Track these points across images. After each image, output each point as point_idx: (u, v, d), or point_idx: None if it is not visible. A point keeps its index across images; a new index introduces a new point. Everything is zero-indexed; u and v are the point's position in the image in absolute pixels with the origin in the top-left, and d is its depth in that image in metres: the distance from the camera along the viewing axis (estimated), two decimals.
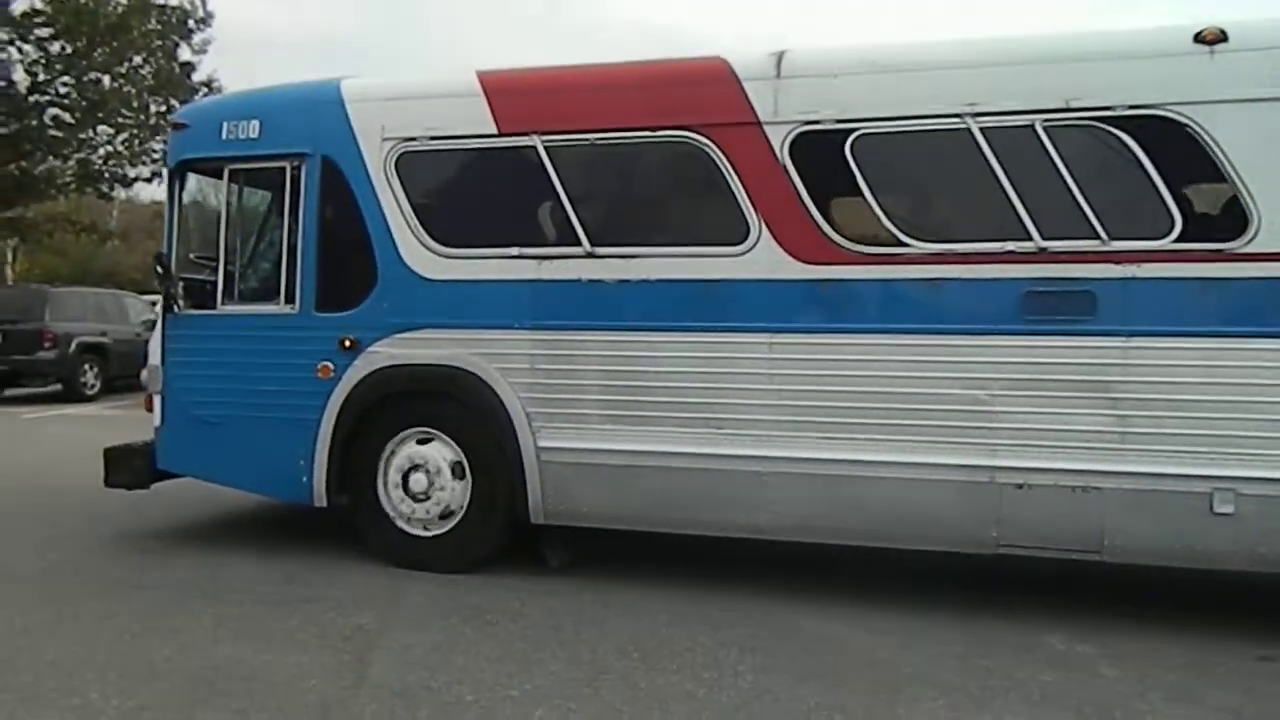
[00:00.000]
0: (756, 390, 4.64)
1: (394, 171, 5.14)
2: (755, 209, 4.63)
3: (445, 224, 5.10)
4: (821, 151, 4.56)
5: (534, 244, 4.96)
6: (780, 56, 4.74)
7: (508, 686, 3.59)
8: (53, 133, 21.54)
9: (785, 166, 4.59)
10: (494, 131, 5.01)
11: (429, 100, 5.22)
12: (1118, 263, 4.21)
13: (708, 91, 4.75)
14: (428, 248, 5.08)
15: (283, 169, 5.34)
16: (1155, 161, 4.19)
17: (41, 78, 21.44)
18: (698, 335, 4.71)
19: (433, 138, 5.10)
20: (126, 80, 22.20)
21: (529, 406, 4.92)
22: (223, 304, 5.51)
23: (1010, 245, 4.33)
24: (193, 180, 5.72)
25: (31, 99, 21.08)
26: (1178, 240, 4.16)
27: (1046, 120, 4.30)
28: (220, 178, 5.56)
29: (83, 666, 3.76)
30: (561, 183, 4.90)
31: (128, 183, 23.68)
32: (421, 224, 5.10)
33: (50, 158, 22.18)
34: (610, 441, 4.81)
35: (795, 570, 5.14)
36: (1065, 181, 4.28)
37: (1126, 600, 4.71)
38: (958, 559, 4.68)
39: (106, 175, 22.93)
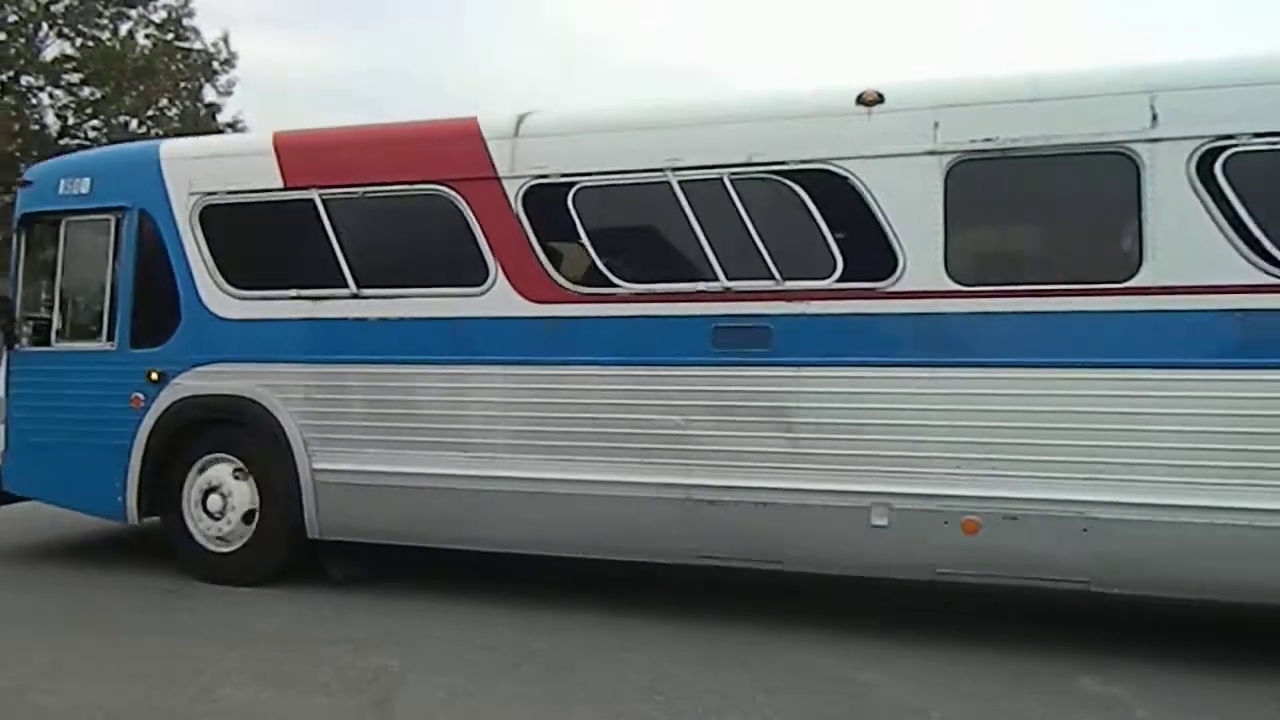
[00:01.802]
0: (495, 416, 5.16)
1: (197, 223, 5.74)
2: (493, 254, 5.17)
3: (238, 269, 5.68)
4: (549, 203, 5.10)
5: (310, 286, 5.52)
6: (521, 118, 5.31)
7: None
8: None
9: (519, 216, 5.13)
10: (280, 186, 5.60)
11: (229, 159, 5.85)
12: (789, 300, 4.70)
13: (458, 149, 5.32)
14: (223, 290, 5.66)
15: (108, 221, 5.97)
16: (822, 210, 4.69)
17: (71, 121, 22.25)
18: (447, 368, 5.24)
19: (230, 192, 5.70)
20: (154, 123, 22.64)
21: (305, 432, 5.45)
22: (56, 341, 6.12)
23: (701, 285, 4.84)
24: (37, 230, 6.36)
25: (61, 142, 21.33)
26: (839, 280, 4.65)
27: (733, 174, 4.82)
28: (58, 229, 6.19)
29: (104, 710, 3.71)
30: (334, 231, 5.47)
31: None
32: (218, 269, 5.69)
33: None
34: (375, 463, 5.32)
35: (810, 607, 5.16)
36: (747, 228, 4.78)
37: (1154, 636, 4.71)
38: (980, 597, 4.97)
39: None
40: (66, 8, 21.22)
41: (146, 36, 22.93)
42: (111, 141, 21.62)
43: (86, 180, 6.06)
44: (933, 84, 4.72)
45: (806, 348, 4.67)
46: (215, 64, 23.65)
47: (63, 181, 6.11)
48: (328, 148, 5.72)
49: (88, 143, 21.57)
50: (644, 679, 4.07)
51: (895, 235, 4.57)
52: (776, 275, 4.73)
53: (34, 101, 21.91)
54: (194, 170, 5.81)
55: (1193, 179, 4.18)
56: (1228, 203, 4.15)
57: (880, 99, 4.69)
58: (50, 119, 22.10)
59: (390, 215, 5.51)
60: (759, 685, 4.01)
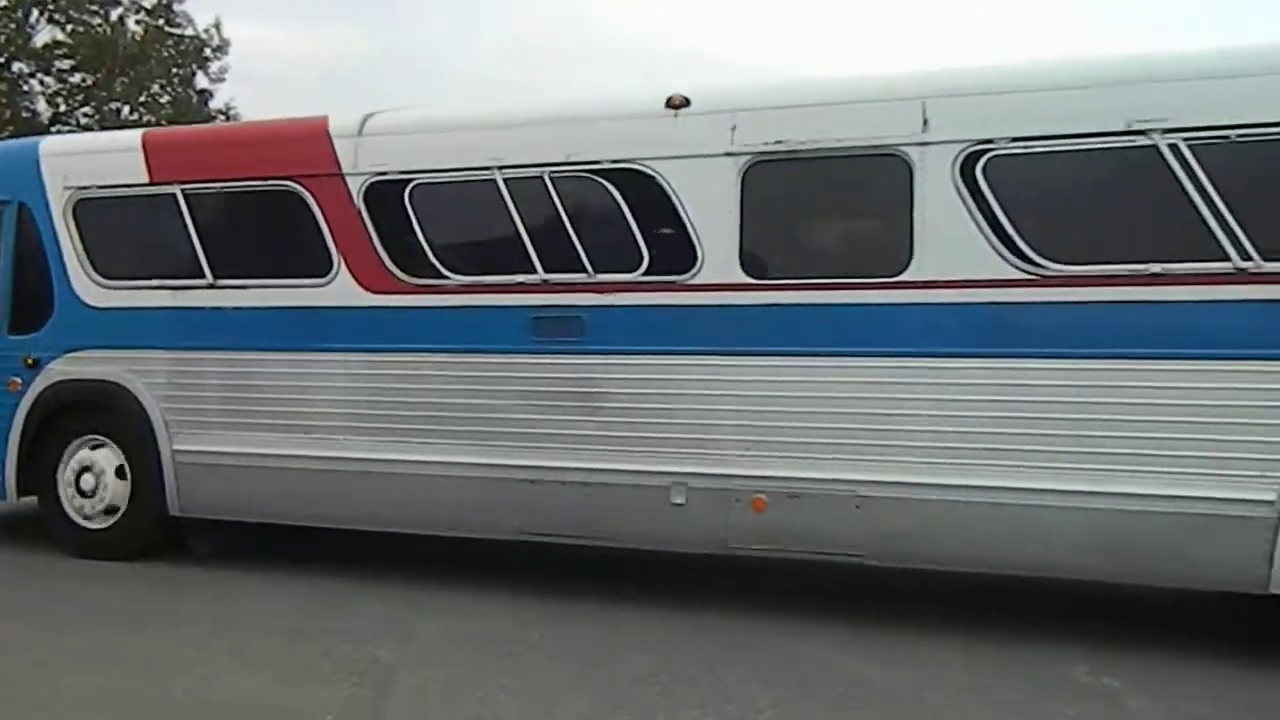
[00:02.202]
0: (336, 400, 5.46)
1: (70, 215, 6.03)
2: (337, 247, 5.46)
3: (106, 259, 5.98)
4: (387, 198, 5.39)
5: (171, 276, 5.81)
6: (365, 118, 5.59)
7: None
8: None
9: (360, 211, 5.42)
10: (146, 181, 5.89)
11: (101, 155, 6.13)
12: (600, 292, 4.99)
13: (307, 147, 5.60)
14: (93, 279, 5.95)
15: None
16: (631, 207, 4.98)
17: (63, 108, 22.28)
18: (293, 354, 5.53)
19: (100, 186, 5.99)
20: (146, 109, 22.72)
21: (167, 415, 5.75)
22: None
23: (521, 278, 5.14)
24: None
25: (53, 130, 21.35)
26: (645, 274, 4.94)
27: (552, 172, 5.11)
28: None
29: (100, 700, 3.74)
30: (194, 224, 5.76)
31: None
32: (89, 259, 5.98)
33: None
34: (228, 444, 5.63)
35: (804, 597, 5.20)
36: (564, 224, 5.08)
37: (1146, 626, 4.76)
38: (975, 590, 5.15)
39: None
40: None
41: (137, 22, 22.90)
42: (104, 128, 21.69)
43: None
44: (733, 89, 5.01)
45: (615, 337, 4.97)
46: (207, 51, 23.60)
47: None
48: (191, 145, 6.02)
49: (79, 130, 21.57)
50: (640, 670, 4.09)
51: (695, 232, 4.86)
52: (589, 268, 5.02)
53: (25, 88, 22.02)
54: (69, 166, 6.09)
55: (956, 180, 4.47)
56: (986, 202, 4.44)
57: (686, 102, 4.97)
58: (41, 106, 22.21)
59: (245, 209, 5.81)
60: (755, 676, 4.03)
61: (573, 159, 5.08)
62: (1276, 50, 4.30)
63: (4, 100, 20.73)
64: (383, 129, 5.52)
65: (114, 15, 22.44)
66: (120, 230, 6.06)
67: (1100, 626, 4.72)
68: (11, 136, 19.27)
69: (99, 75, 21.66)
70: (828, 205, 4.95)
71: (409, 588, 5.34)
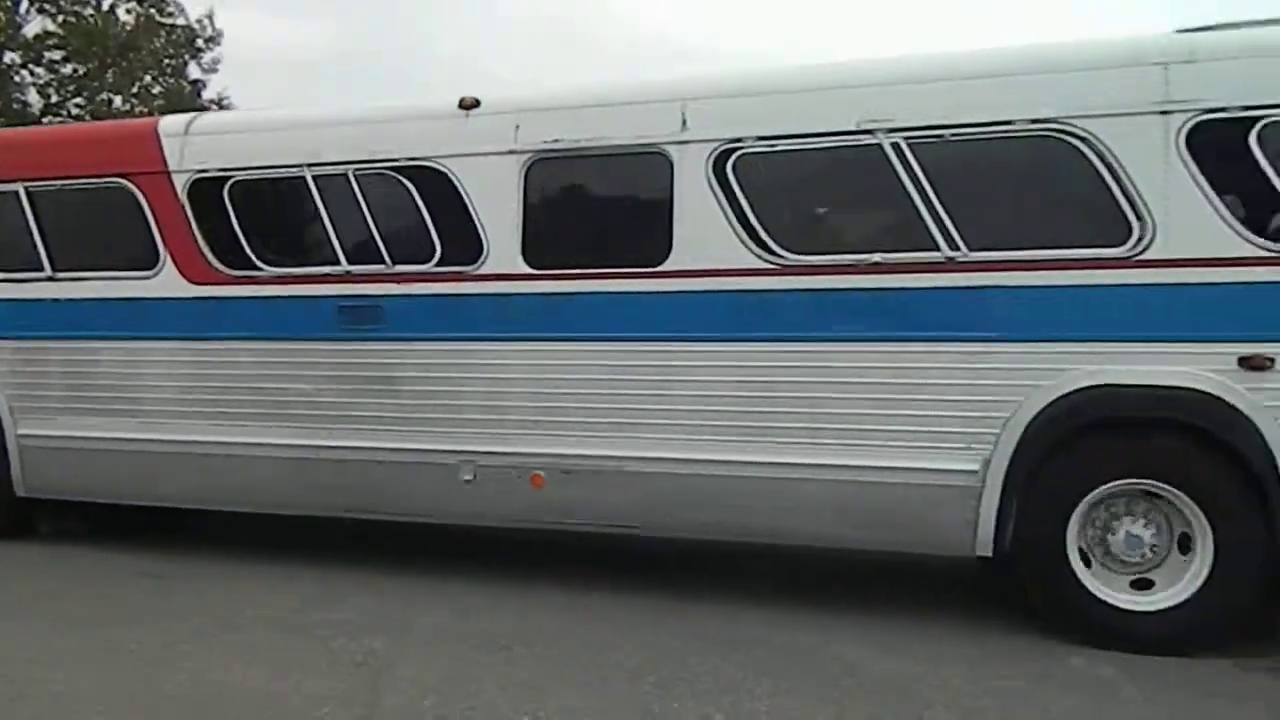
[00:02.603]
0: (164, 386, 5.78)
1: None
2: (163, 241, 5.77)
3: None
4: (209, 195, 5.69)
5: (14, 269, 6.11)
6: (192, 119, 5.90)
7: (520, 714, 3.53)
8: None
9: (184, 206, 5.73)
10: None
11: None
12: (398, 282, 5.32)
13: (137, 146, 5.90)
14: None
15: None
16: (425, 202, 5.29)
17: (55, 99, 22.15)
18: (126, 343, 5.84)
19: None
20: (138, 99, 22.61)
21: (11, 401, 6.07)
22: None
23: (327, 269, 5.45)
24: None
25: (45, 121, 21.36)
26: (437, 265, 5.26)
27: (356, 169, 5.41)
28: None
29: (93, 697, 3.69)
30: (35, 220, 6.06)
31: None
32: None
33: None
34: (66, 429, 5.95)
35: (801, 589, 5.26)
36: (365, 218, 5.39)
37: None
38: (971, 578, 5.28)
39: None
40: None
41: (128, 11, 22.72)
42: (95, 119, 21.41)
43: None
44: (519, 91, 5.32)
45: (411, 325, 5.29)
46: (200, 41, 23.43)
47: None
48: (32, 145, 6.32)
49: (71, 121, 21.54)
50: (637, 662, 4.08)
51: (482, 225, 5.18)
52: (388, 260, 5.34)
53: (16, 79, 21.90)
54: None
55: (710, 176, 4.79)
56: (735, 197, 4.76)
57: (476, 103, 5.28)
58: (33, 97, 22.07)
59: (81, 206, 6.10)
60: (752, 667, 4.04)
61: (374, 157, 5.39)
62: (985, 56, 4.63)
63: None
64: (206, 129, 5.83)
65: (105, 5, 22.39)
66: None
67: None
68: (2, 127, 19.49)
69: (90, 66, 21.58)
70: (600, 200, 5.28)
71: (404, 582, 5.34)
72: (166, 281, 5.75)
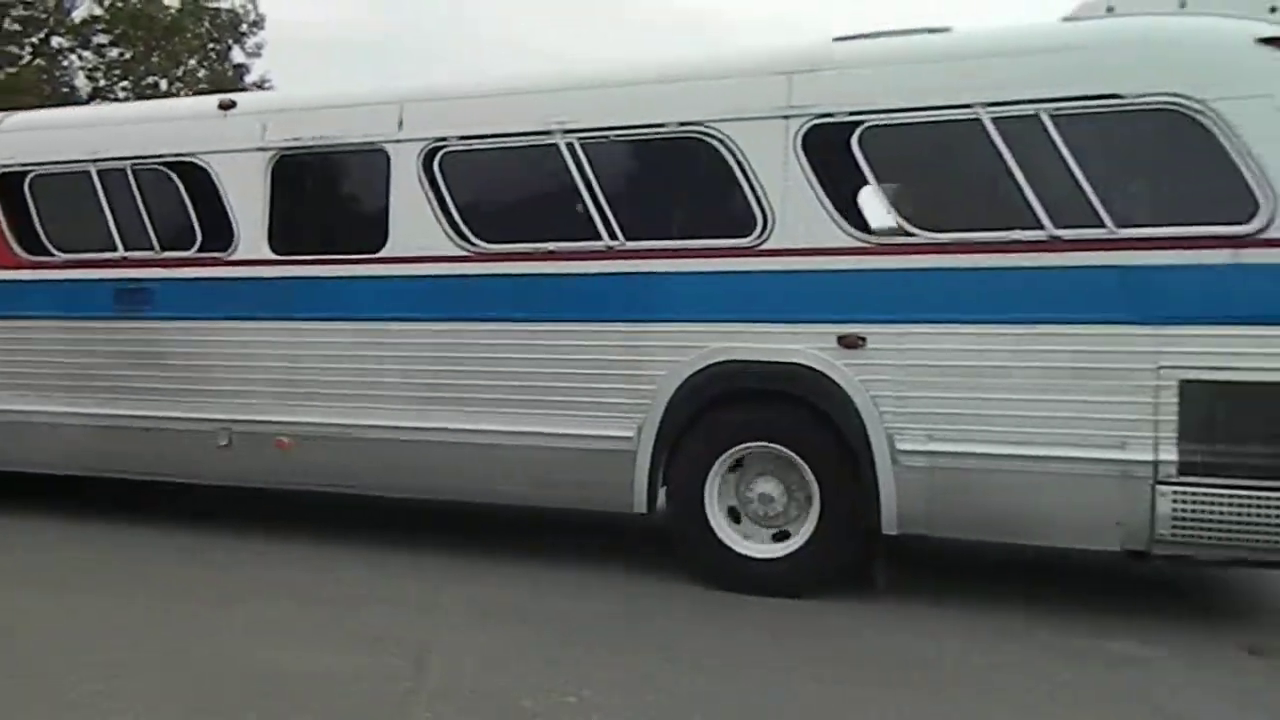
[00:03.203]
0: None
1: None
2: None
3: None
4: (11, 187, 6.29)
5: None
6: (3, 118, 6.49)
7: (564, 693, 3.51)
8: None
9: None
10: None
11: None
12: (165, 267, 5.90)
13: None
14: None
15: None
16: (189, 194, 5.87)
17: (102, 83, 22.63)
18: None
19: None
20: (182, 83, 22.77)
21: None
22: None
23: (106, 255, 6.05)
24: None
25: (91, 103, 21.66)
26: (198, 251, 5.84)
27: (133, 164, 5.99)
28: None
29: (129, 670, 3.71)
30: None
31: None
32: None
33: None
34: None
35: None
36: (139, 208, 5.97)
37: (1178, 597, 4.89)
38: (1002, 561, 5.30)
39: None
40: None
41: None
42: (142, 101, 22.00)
43: None
44: (268, 94, 5.87)
45: (175, 305, 5.88)
46: (244, 25, 23.59)
47: None
48: None
49: (116, 104, 22.19)
50: (667, 639, 4.18)
51: (235, 215, 5.75)
52: (156, 247, 5.92)
53: (64, 63, 22.44)
54: None
55: (420, 172, 5.33)
56: (440, 191, 5.30)
57: (233, 104, 5.84)
58: (80, 81, 22.55)
59: None
60: (778, 645, 4.11)
61: (148, 153, 5.97)
62: (645, 65, 5.13)
63: (44, 75, 21.13)
64: (13, 127, 6.42)
65: None
66: None
67: (1134, 599, 4.84)
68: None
69: (136, 50, 22.00)
70: (332, 193, 5.85)
71: (440, 560, 5.40)
72: None
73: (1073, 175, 4.29)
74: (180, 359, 5.87)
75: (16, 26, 20.93)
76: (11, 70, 20.50)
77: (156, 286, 5.91)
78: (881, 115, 4.59)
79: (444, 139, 5.30)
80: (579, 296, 5.05)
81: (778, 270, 4.72)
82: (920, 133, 4.57)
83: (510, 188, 5.38)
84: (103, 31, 21.99)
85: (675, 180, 5.07)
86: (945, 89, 4.50)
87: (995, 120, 4.40)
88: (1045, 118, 4.33)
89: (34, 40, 21.41)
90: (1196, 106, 4.13)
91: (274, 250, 5.67)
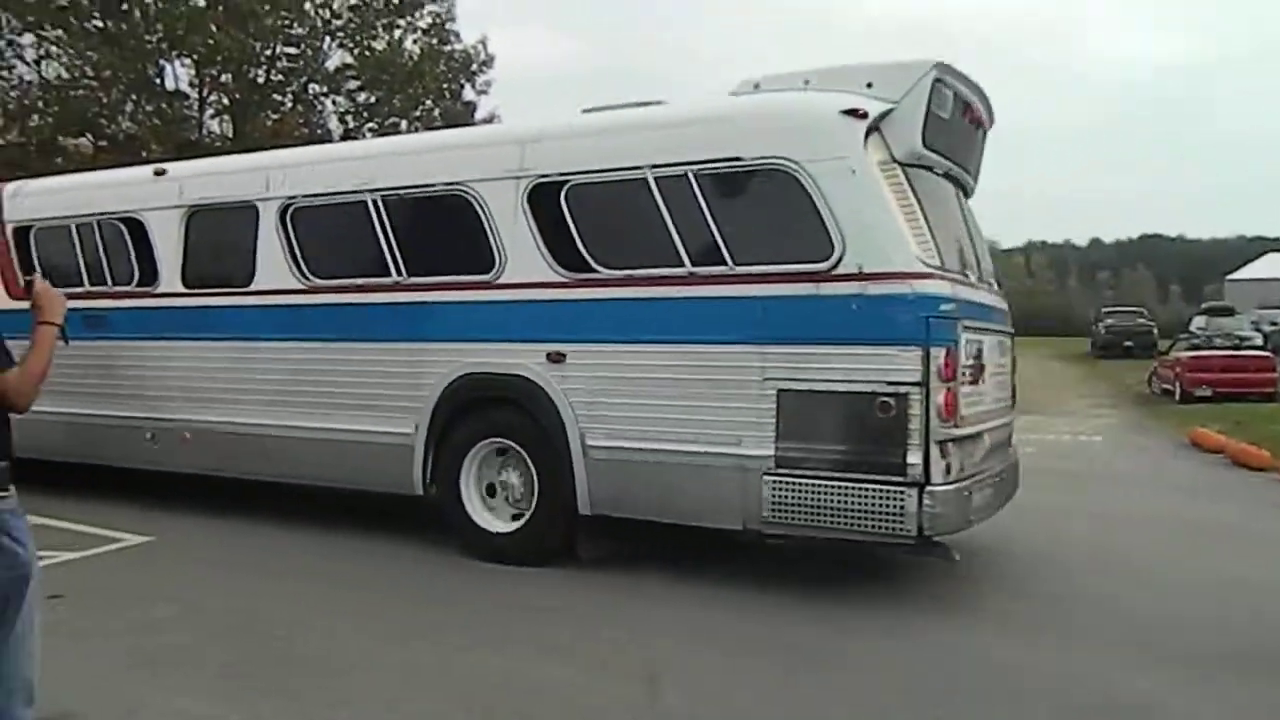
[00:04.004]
0: None
1: None
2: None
3: None
4: (21, 238, 8.18)
5: None
6: (19, 186, 8.42)
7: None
8: None
9: (10, 241, 8.23)
10: None
11: None
12: (114, 299, 7.58)
13: None
14: None
15: None
16: (133, 242, 7.54)
17: (351, 125, 24.30)
18: None
19: None
20: (420, 122, 24.12)
21: None
22: None
23: (77, 289, 7.75)
24: None
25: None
26: (136, 286, 7.50)
27: (98, 218, 7.73)
28: None
29: (422, 678, 4.13)
30: None
31: None
32: None
33: None
34: None
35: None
36: (101, 254, 7.69)
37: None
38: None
39: None
40: (346, 21, 23.37)
41: (414, 42, 24.64)
42: None
43: None
44: (188, 163, 7.50)
45: (120, 329, 7.53)
46: (475, 65, 25.00)
47: None
48: None
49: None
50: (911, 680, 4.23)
51: (160, 257, 7.38)
52: (109, 283, 7.64)
53: (319, 108, 24.25)
54: None
55: (277, 223, 6.78)
56: (289, 237, 6.73)
57: (164, 172, 7.51)
58: (333, 124, 24.15)
59: None
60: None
61: (105, 211, 7.71)
62: (430, 137, 6.43)
63: (301, 120, 22.99)
64: (25, 192, 8.35)
65: (394, 36, 24.20)
66: None
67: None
68: None
69: (381, 93, 23.66)
70: (221, 239, 7.36)
71: (703, 588, 5.49)
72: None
73: (707, 223, 5.30)
74: (122, 370, 7.54)
75: (280, 77, 22.96)
76: (275, 116, 22.60)
77: (110, 314, 7.61)
78: (582, 175, 5.72)
79: (294, 197, 6.76)
80: (375, 321, 6.37)
81: (507, 300, 5.90)
82: (608, 189, 5.66)
83: (336, 235, 6.76)
84: (353, 78, 23.61)
85: (442, 228, 6.31)
86: (625, 154, 5.60)
87: (657, 179, 5.45)
88: (691, 177, 5.35)
89: (294, 88, 23.42)
90: (794, 168, 5.07)
91: (186, 286, 7.29)
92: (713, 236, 5.29)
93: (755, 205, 5.36)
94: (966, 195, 6.31)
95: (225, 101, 22.89)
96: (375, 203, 6.40)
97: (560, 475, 5.70)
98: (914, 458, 4.77)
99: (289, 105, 23.32)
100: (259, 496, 7.25)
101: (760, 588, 5.48)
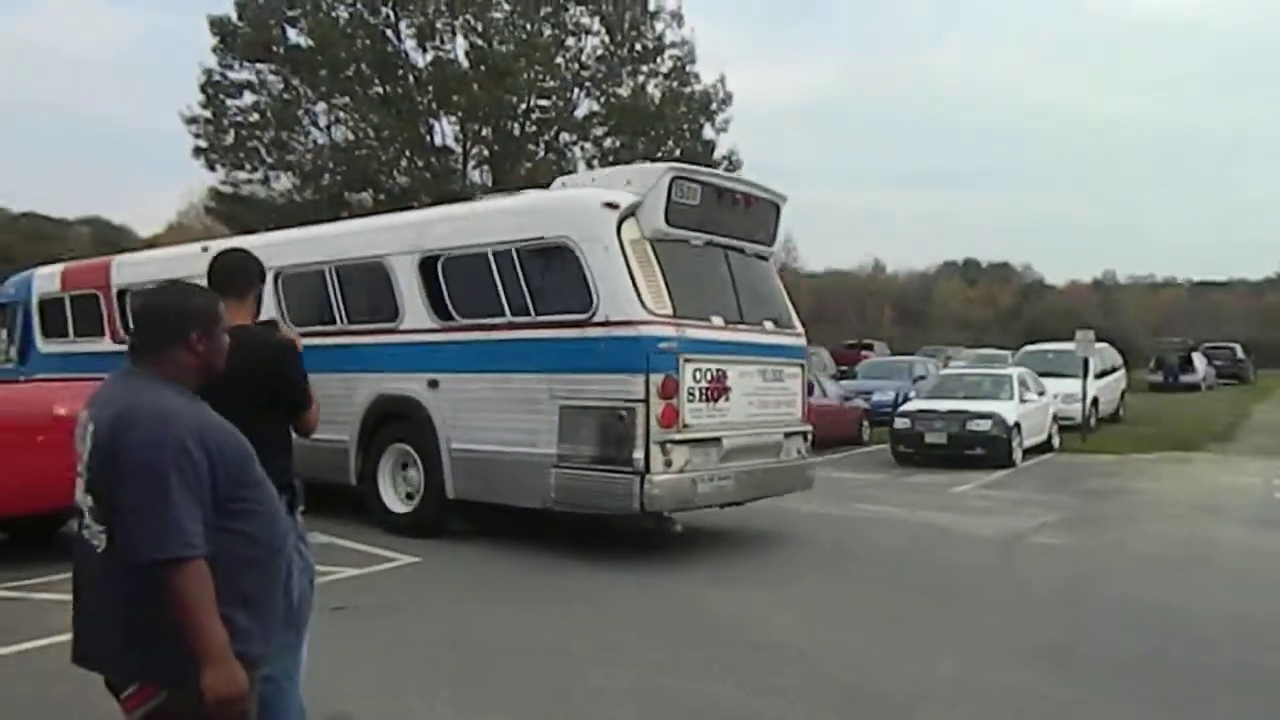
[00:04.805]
0: None
1: None
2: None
3: None
4: (123, 298, 11.02)
5: None
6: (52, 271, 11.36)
7: None
8: None
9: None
10: None
11: None
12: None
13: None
14: None
15: None
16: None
17: (597, 169, 25.57)
18: None
19: None
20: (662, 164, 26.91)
21: None
22: None
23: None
24: None
25: None
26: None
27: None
28: None
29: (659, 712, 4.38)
30: None
31: None
32: None
33: None
34: None
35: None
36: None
37: None
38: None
39: None
40: (594, 72, 24.84)
41: (656, 86, 25.56)
42: None
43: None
44: (215, 242, 10.08)
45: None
46: (714, 104, 25.62)
47: None
48: None
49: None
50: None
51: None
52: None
53: (568, 155, 25.38)
54: None
55: (273, 286, 9.22)
56: (279, 296, 9.12)
57: (207, 249, 10.12)
58: (581, 169, 24.93)
59: None
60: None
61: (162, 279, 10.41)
62: (351, 225, 8.68)
63: (553, 167, 23.47)
64: (123, 262, 11.21)
65: (638, 82, 25.17)
66: None
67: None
68: None
69: (625, 138, 24.61)
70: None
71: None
72: None
73: (521, 285, 7.31)
74: None
75: (534, 127, 24.48)
76: (529, 165, 23.58)
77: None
78: (452, 250, 7.83)
79: (284, 266, 9.15)
80: (332, 357, 8.64)
81: (404, 342, 8.08)
82: (465, 261, 7.75)
83: (306, 295, 9.11)
84: (599, 124, 24.93)
85: (370, 289, 8.55)
86: (477, 235, 7.73)
87: (493, 253, 7.51)
88: (514, 251, 7.37)
89: (546, 138, 24.85)
90: (573, 244, 7.02)
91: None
92: (524, 295, 7.30)
93: (550, 272, 7.32)
94: (759, 256, 8.13)
95: (485, 153, 24.50)
96: (331, 270, 8.74)
97: (436, 470, 7.77)
98: (638, 454, 6.61)
99: (541, 154, 24.53)
100: (524, 526, 8.08)
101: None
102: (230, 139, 23.56)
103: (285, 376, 3.24)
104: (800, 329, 8.34)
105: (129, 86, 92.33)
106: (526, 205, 7.78)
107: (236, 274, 3.37)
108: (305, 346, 3.45)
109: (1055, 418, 16.63)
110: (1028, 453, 14.76)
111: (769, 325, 7.91)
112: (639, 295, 6.78)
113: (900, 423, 14.72)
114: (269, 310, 9.12)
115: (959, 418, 14.16)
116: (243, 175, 24.07)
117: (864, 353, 30.21)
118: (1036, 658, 5.13)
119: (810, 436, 8.28)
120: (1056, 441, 16.46)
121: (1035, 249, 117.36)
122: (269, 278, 8.91)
